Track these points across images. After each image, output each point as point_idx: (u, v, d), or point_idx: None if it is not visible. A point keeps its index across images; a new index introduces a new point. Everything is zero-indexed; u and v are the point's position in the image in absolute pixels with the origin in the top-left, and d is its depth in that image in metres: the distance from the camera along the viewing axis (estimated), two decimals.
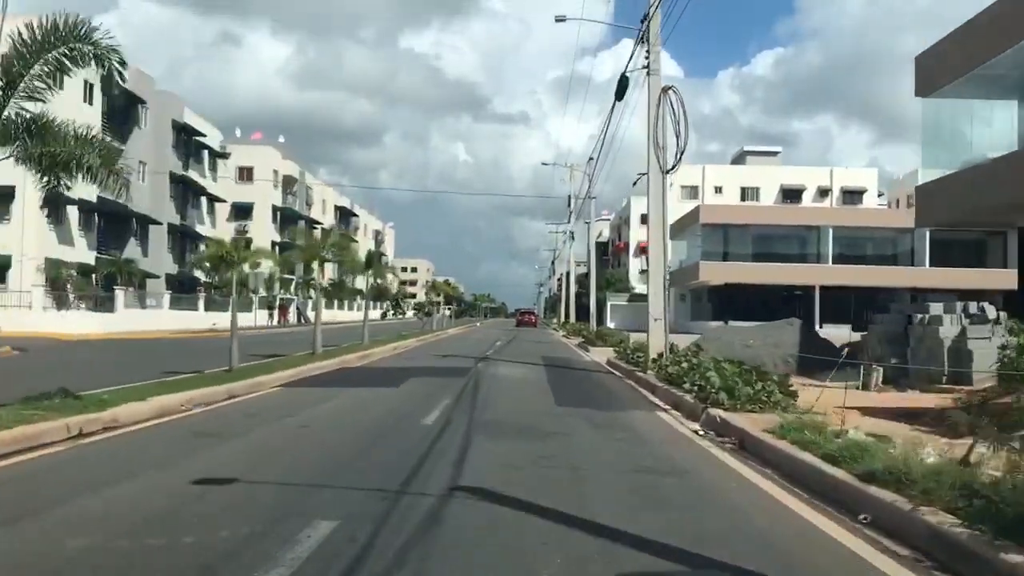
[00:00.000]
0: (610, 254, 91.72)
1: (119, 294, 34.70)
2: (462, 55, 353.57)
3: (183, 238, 48.75)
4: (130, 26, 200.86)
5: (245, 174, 62.48)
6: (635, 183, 19.47)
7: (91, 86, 37.02)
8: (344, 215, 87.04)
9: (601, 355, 25.03)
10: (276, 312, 53.77)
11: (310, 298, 67.80)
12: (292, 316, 58.78)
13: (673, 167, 16.74)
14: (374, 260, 26.17)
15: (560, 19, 22.69)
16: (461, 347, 29.38)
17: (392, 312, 35.43)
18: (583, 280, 64.58)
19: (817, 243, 49.27)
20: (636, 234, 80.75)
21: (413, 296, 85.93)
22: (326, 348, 22.27)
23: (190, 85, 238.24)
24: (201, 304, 42.05)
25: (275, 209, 64.28)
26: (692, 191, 64.52)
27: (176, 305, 41.00)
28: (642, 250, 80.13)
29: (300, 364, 17.13)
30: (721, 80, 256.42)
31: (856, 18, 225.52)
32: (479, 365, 19.30)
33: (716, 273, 47.66)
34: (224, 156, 62.70)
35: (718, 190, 60.65)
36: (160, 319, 37.24)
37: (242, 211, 60.80)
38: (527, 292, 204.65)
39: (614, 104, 19.58)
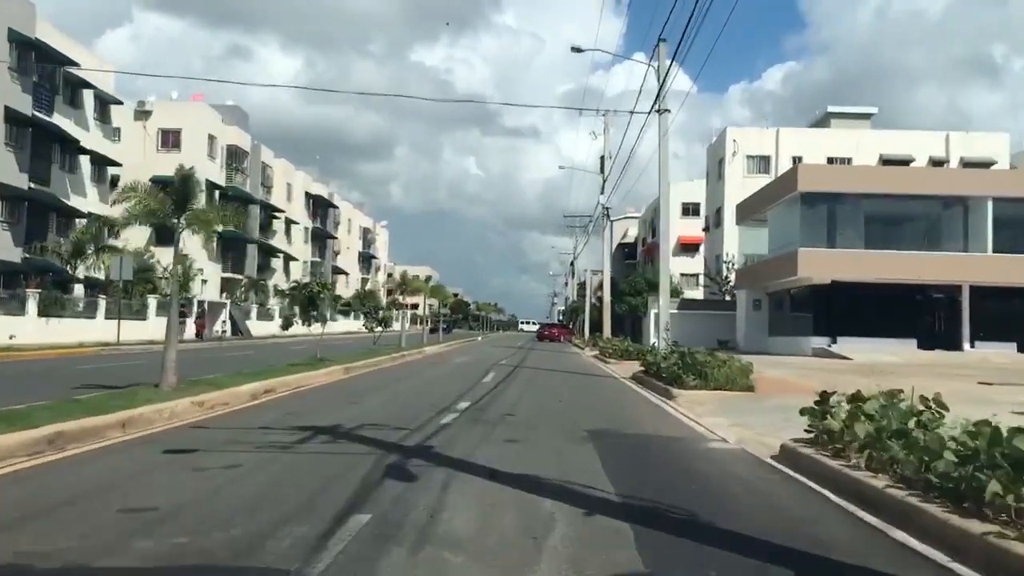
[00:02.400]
0: (639, 255, 76.29)
1: None
2: (472, 69, 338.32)
3: (40, 211, 33.73)
4: (139, 39, 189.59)
5: (171, 139, 47.50)
6: None
7: None
8: (320, 205, 72.04)
9: (727, 425, 9.78)
10: (194, 320, 38.76)
11: (259, 304, 52.55)
12: (225, 327, 43.72)
13: None
14: (189, 188, 11.02)
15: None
16: (407, 391, 14.30)
17: (305, 321, 20.01)
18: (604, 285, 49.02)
19: (964, 223, 33.73)
20: (676, 228, 64.96)
21: (416, 307, 71.62)
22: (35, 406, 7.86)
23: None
24: (31, 306, 26.94)
25: (212, 186, 49.20)
26: (762, 162, 48.93)
27: None
28: (684, 247, 64.61)
29: None
30: (732, 94, 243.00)
31: (867, 29, 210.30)
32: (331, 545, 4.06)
33: (821, 265, 32.24)
34: (146, 113, 48.05)
35: (796, 161, 45.12)
36: None
37: (163, 186, 45.67)
38: (539, 304, 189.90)
39: None
